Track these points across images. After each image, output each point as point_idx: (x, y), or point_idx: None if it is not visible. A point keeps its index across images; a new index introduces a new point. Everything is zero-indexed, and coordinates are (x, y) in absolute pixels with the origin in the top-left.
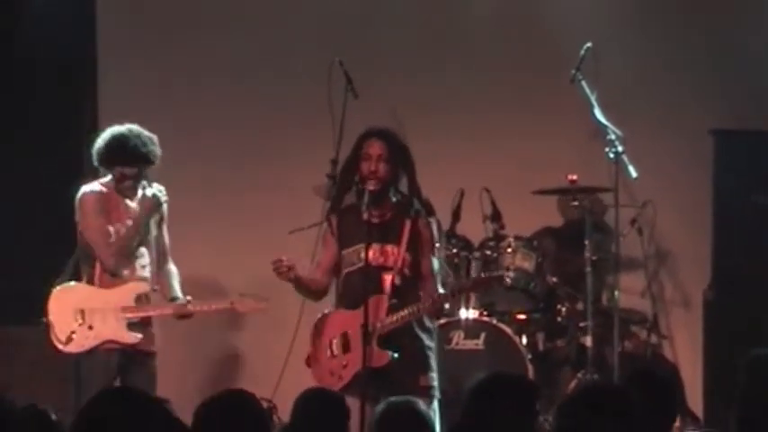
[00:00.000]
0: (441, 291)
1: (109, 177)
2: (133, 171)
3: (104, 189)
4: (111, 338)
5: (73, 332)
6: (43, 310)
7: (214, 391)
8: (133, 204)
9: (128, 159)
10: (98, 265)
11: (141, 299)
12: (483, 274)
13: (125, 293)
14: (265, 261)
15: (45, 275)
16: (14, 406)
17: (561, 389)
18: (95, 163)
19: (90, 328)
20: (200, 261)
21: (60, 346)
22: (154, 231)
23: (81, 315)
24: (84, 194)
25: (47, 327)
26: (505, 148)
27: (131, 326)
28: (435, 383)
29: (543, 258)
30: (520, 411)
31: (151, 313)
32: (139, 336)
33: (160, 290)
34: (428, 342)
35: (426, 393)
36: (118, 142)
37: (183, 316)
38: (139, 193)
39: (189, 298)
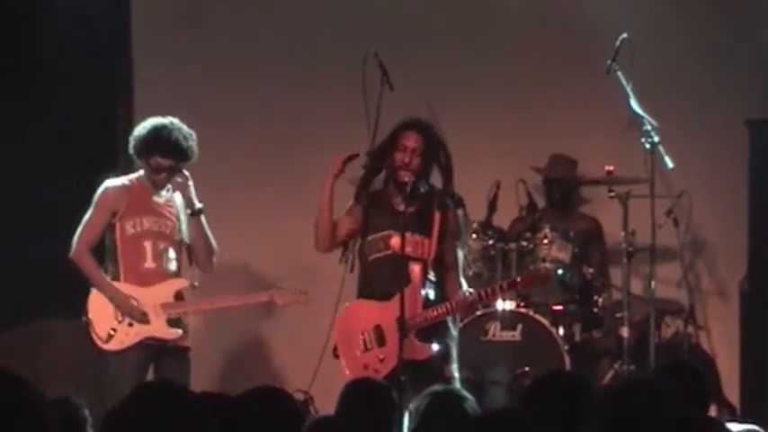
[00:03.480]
0: (467, 288)
1: (137, 174)
2: (169, 162)
3: (128, 183)
4: (152, 335)
5: (113, 329)
6: (83, 309)
7: (250, 384)
8: (160, 200)
9: (168, 150)
10: (121, 260)
11: (180, 295)
12: (532, 267)
13: (164, 290)
14: (302, 252)
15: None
16: (44, 398)
17: (598, 380)
18: (132, 150)
19: (130, 325)
20: (239, 254)
21: (101, 344)
22: (184, 227)
23: (121, 313)
24: (105, 189)
25: (87, 325)
26: (542, 140)
27: (170, 321)
28: (457, 374)
29: (579, 249)
30: (573, 412)
31: (191, 309)
32: (179, 331)
33: (197, 244)
34: (454, 333)
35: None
36: (160, 132)
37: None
38: (167, 193)
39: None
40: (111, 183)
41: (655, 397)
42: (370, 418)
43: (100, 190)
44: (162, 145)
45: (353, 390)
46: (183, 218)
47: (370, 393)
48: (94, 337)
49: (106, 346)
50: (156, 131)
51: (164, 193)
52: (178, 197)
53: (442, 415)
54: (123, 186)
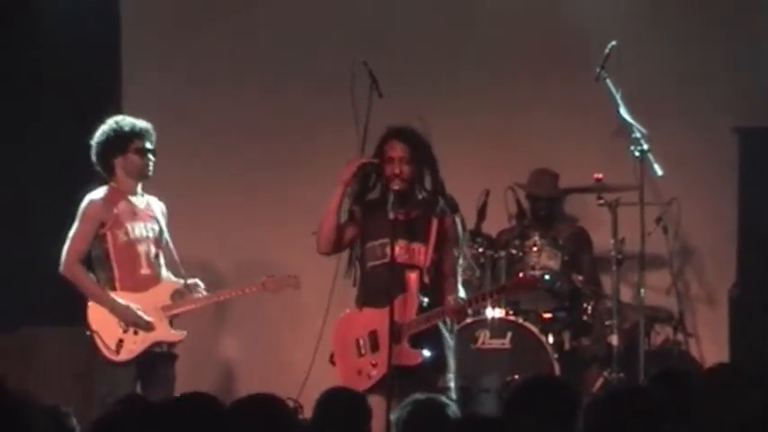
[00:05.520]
0: (462, 295)
1: (109, 185)
2: (147, 143)
3: (109, 192)
4: (158, 340)
5: (121, 340)
6: (84, 323)
7: (239, 393)
8: (141, 205)
9: (140, 131)
10: (116, 268)
11: (176, 296)
12: (521, 274)
13: (161, 293)
14: (290, 261)
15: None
16: (37, 406)
17: (588, 388)
18: (105, 156)
19: (135, 333)
20: (224, 260)
21: (112, 357)
22: (165, 228)
23: (125, 323)
24: (91, 201)
25: (91, 339)
26: (531, 148)
27: (172, 324)
28: (452, 385)
29: (569, 257)
30: (561, 417)
31: (190, 307)
32: (184, 332)
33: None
34: (450, 342)
35: (443, 395)
36: (123, 123)
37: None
38: (142, 197)
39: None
40: (95, 194)
41: (644, 406)
42: (344, 427)
43: (85, 203)
44: (133, 129)
45: (328, 399)
46: (162, 220)
47: (344, 402)
48: (103, 348)
49: (117, 357)
50: (119, 125)
51: (140, 197)
52: (153, 200)
53: (425, 423)
54: (106, 197)
